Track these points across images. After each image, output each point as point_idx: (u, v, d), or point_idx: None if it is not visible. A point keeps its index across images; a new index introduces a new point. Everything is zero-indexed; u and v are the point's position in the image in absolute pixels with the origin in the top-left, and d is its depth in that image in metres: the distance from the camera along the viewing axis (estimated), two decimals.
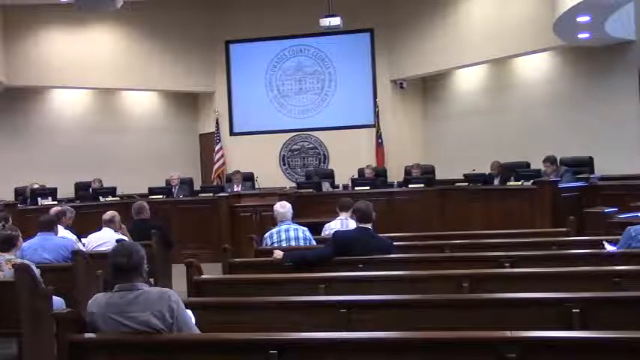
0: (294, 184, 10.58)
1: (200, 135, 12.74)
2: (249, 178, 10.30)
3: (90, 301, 2.78)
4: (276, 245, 5.02)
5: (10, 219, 5.99)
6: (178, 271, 5.04)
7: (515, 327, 2.48)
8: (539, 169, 7.83)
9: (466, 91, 11.12)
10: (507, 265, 4.12)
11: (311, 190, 8.98)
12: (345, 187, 9.46)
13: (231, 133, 12.15)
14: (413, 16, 11.08)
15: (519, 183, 7.69)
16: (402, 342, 2.51)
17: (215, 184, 11.22)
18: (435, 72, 11.08)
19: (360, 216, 4.55)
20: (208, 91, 12.25)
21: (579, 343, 2.40)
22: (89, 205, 8.66)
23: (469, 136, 10.77)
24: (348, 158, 11.12)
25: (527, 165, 8.49)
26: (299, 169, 11.92)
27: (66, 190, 9.62)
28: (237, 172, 10.29)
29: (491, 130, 10.41)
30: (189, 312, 2.83)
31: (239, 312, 3.23)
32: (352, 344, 2.55)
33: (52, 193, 8.56)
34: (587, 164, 7.97)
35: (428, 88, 11.91)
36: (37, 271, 4.29)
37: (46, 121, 11.20)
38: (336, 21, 9.48)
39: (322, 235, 5.57)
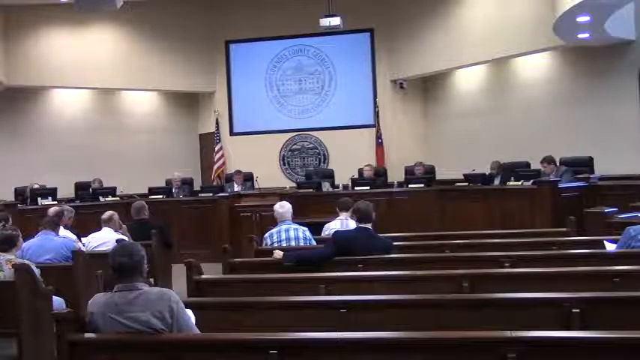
0: (294, 184, 10.58)
1: (200, 135, 12.73)
2: (249, 178, 10.30)
3: (90, 301, 2.78)
4: (276, 245, 5.02)
5: (10, 219, 5.98)
6: (178, 271, 5.04)
7: (515, 327, 2.48)
8: (540, 169, 7.84)
9: (466, 91, 11.12)
10: (507, 265, 4.12)
11: (311, 190, 8.97)
12: (345, 187, 9.45)
13: (231, 133, 12.15)
14: (413, 16, 11.08)
15: (519, 183, 7.69)
16: (402, 342, 2.52)
17: (215, 184, 11.21)
18: (435, 72, 11.07)
19: (360, 216, 4.56)
20: (208, 91, 12.25)
21: (579, 343, 2.40)
22: (89, 205, 8.66)
23: (469, 136, 10.77)
24: (348, 158, 11.10)
25: (528, 165, 8.49)
26: (299, 169, 11.92)
27: (66, 190, 9.61)
28: (238, 172, 10.29)
29: (491, 130, 10.41)
30: (189, 312, 2.83)
31: (239, 312, 3.23)
32: (352, 344, 2.55)
33: (52, 193, 8.56)
34: (587, 164, 7.96)
35: (428, 88, 11.91)
36: (37, 271, 4.29)
37: (46, 121, 11.20)
38: (336, 21, 9.48)
39: (322, 235, 5.56)
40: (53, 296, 4.31)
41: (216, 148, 11.85)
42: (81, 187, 9.85)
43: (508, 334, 2.40)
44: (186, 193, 9.77)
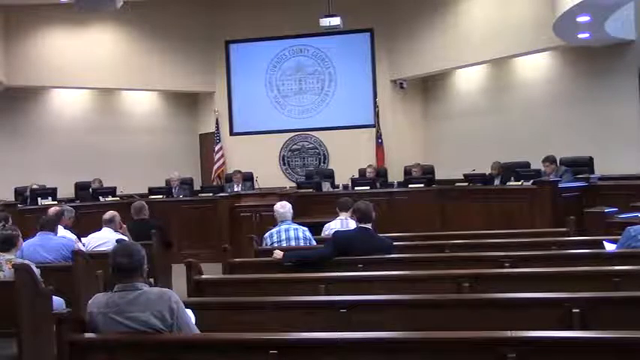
0: (294, 184, 10.58)
1: (200, 135, 12.73)
2: (249, 178, 10.30)
3: (90, 301, 2.78)
4: (276, 245, 5.02)
5: (10, 219, 5.98)
6: (178, 271, 5.04)
7: (515, 327, 2.48)
8: (540, 169, 7.84)
9: (466, 91, 11.12)
10: (507, 265, 4.12)
11: (311, 190, 8.97)
12: (345, 187, 9.46)
13: (231, 133, 12.15)
14: (413, 16, 11.08)
15: (519, 183, 7.69)
16: (402, 342, 2.52)
17: (215, 184, 11.22)
18: (435, 72, 11.08)
19: (360, 216, 4.55)
20: (208, 91, 12.25)
21: (579, 343, 2.40)
22: (89, 205, 8.66)
23: (469, 136, 10.77)
24: (348, 158, 11.12)
25: (528, 165, 8.49)
26: (299, 169, 11.92)
27: (66, 190, 9.62)
28: (238, 172, 10.30)
29: (491, 130, 10.41)
30: (189, 312, 2.83)
31: (239, 312, 3.23)
32: (352, 344, 2.55)
33: (52, 193, 8.55)
34: (587, 164, 7.96)
35: (428, 88, 11.91)
36: (37, 271, 4.28)
37: (46, 121, 11.19)
38: (336, 21, 9.48)
39: (322, 235, 5.56)
40: (53, 296, 4.31)
41: (216, 148, 11.85)
42: (81, 187, 9.86)
43: (508, 334, 2.40)
44: (187, 193, 9.77)
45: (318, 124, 11.91)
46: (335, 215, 5.67)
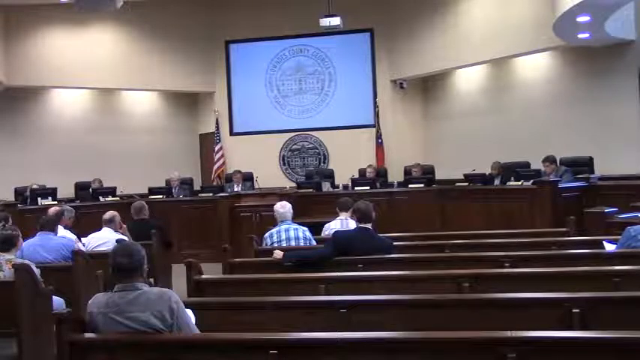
0: (294, 184, 10.58)
1: (200, 135, 12.74)
2: (249, 178, 10.30)
3: (90, 301, 2.78)
4: (276, 245, 5.02)
5: (10, 219, 5.98)
6: (178, 271, 5.04)
7: (515, 327, 2.48)
8: (539, 169, 7.84)
9: (466, 91, 11.12)
10: (507, 265, 4.12)
11: (311, 190, 8.97)
12: (345, 187, 9.46)
13: (231, 133, 12.16)
14: (413, 16, 11.08)
15: (519, 183, 7.69)
16: (402, 342, 2.52)
17: (215, 184, 11.22)
18: (435, 72, 11.08)
19: (360, 216, 4.55)
20: (208, 91, 12.25)
21: (579, 343, 2.40)
22: (89, 205, 8.66)
23: (469, 136, 10.77)
24: (348, 158, 11.12)
25: (528, 165, 8.49)
26: (299, 169, 11.92)
27: (66, 190, 9.62)
28: (238, 172, 10.30)
29: (491, 130, 10.41)
30: (189, 312, 2.83)
31: (239, 312, 3.23)
32: (352, 344, 2.55)
33: (52, 193, 8.55)
34: (587, 164, 7.96)
35: (428, 88, 11.91)
36: (37, 271, 4.28)
37: (46, 121, 11.19)
38: (336, 21, 9.49)
39: (322, 235, 5.56)
40: (53, 296, 4.31)
41: (216, 148, 11.85)
42: (81, 187, 9.86)
43: (508, 334, 2.40)
44: (187, 193, 9.77)
45: (318, 124, 11.91)
46: (335, 215, 5.66)
